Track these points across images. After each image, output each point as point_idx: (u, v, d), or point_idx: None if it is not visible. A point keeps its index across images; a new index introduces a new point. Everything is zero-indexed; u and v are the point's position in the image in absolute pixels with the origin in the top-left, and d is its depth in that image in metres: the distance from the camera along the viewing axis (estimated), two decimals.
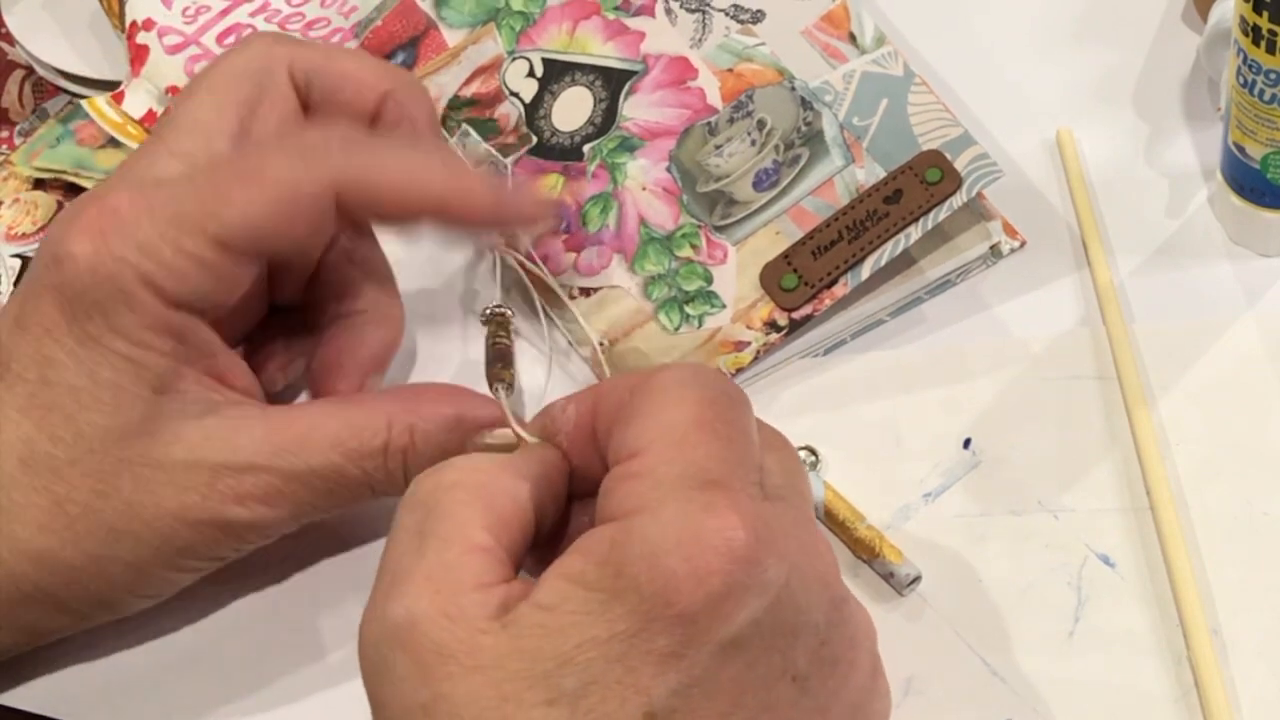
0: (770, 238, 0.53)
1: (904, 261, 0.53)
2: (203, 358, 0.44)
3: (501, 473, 0.40)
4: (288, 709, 0.48)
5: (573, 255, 0.54)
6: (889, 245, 0.52)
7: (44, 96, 0.66)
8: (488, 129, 0.57)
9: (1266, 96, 0.48)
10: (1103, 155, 0.56)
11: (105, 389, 0.43)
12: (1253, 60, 0.48)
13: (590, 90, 0.57)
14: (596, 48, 0.57)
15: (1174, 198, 0.55)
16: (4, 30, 0.66)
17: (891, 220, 0.52)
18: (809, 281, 0.52)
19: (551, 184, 0.56)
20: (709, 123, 0.55)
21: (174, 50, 0.61)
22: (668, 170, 0.55)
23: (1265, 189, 0.51)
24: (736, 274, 0.53)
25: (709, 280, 0.53)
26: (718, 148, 0.55)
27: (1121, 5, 0.60)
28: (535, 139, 0.56)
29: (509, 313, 0.52)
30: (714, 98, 0.56)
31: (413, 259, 0.54)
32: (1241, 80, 0.49)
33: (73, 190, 0.59)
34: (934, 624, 0.47)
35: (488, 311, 0.52)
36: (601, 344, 0.53)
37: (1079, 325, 0.53)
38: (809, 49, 0.56)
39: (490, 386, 0.49)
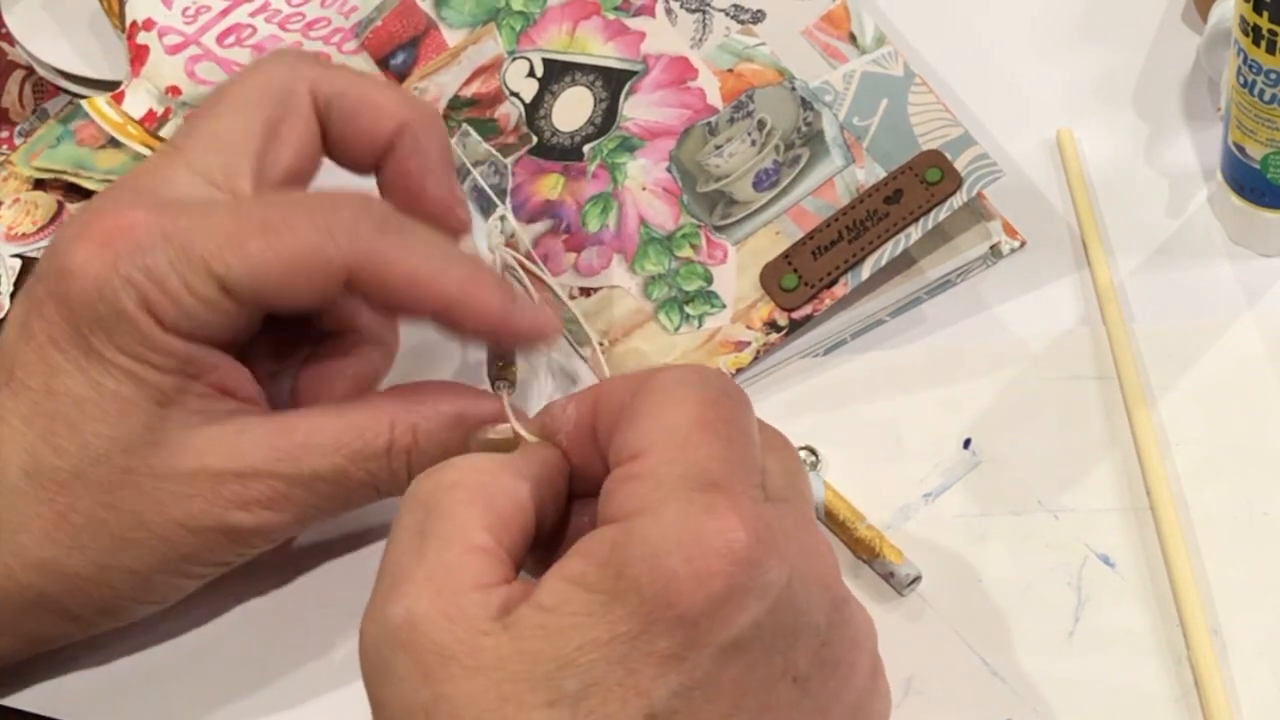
0: (770, 238, 0.53)
1: (904, 261, 0.53)
2: (205, 371, 0.44)
3: (502, 473, 0.40)
4: (288, 709, 0.48)
5: (573, 255, 0.54)
6: (889, 245, 0.52)
7: (44, 96, 0.66)
8: (488, 129, 0.57)
9: (1266, 96, 0.48)
10: (1103, 155, 0.56)
11: (109, 400, 0.43)
12: (1253, 60, 0.48)
13: (590, 90, 0.57)
14: (597, 48, 0.57)
15: (1174, 198, 0.55)
16: (4, 30, 0.66)
17: (891, 220, 0.52)
18: (809, 281, 0.52)
19: (552, 184, 0.56)
20: (709, 123, 0.55)
21: (174, 50, 0.61)
22: (668, 170, 0.55)
23: (1265, 189, 0.51)
24: (736, 274, 0.53)
25: (709, 280, 0.53)
26: (718, 148, 0.55)
27: (1121, 5, 0.60)
28: (535, 139, 0.56)
29: None
30: (714, 98, 0.56)
31: None
32: (1241, 80, 0.49)
33: (73, 190, 0.59)
34: (934, 624, 0.47)
35: None
36: (601, 344, 0.53)
37: (1079, 325, 0.52)
38: (809, 49, 0.56)
39: (491, 385, 0.49)
